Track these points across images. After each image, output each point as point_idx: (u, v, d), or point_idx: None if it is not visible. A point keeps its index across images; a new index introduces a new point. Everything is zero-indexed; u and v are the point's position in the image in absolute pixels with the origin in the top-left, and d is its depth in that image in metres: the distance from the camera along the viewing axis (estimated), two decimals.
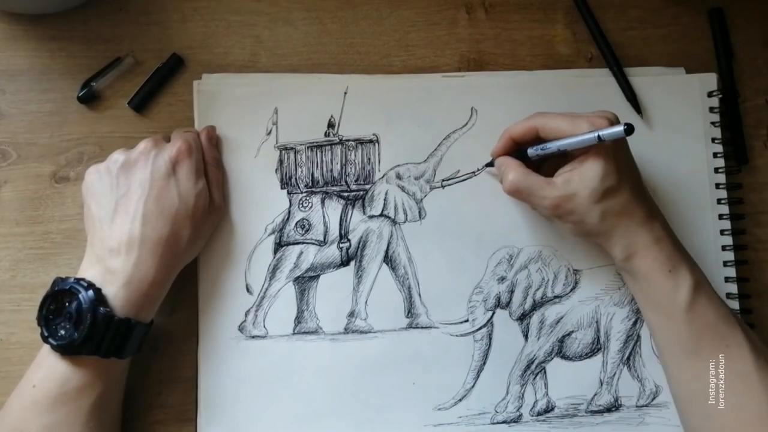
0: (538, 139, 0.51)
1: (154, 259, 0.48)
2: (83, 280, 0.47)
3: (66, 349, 0.46)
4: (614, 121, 0.48)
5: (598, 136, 0.46)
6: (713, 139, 0.57)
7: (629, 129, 0.45)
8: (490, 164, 0.56)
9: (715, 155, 0.57)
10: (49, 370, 0.47)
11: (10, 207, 0.56)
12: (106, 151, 0.56)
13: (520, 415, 0.55)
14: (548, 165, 0.53)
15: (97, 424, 0.47)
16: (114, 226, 0.48)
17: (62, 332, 0.46)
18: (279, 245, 0.56)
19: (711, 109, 0.57)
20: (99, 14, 0.57)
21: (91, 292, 0.46)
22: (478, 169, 0.56)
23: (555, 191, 0.49)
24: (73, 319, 0.46)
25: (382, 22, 0.59)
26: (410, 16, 0.59)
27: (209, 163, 0.54)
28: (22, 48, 0.57)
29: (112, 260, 0.48)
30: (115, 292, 0.47)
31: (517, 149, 0.53)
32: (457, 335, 0.55)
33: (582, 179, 0.48)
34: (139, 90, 0.57)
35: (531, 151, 0.51)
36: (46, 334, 0.47)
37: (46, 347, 0.47)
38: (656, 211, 0.50)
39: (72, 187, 0.56)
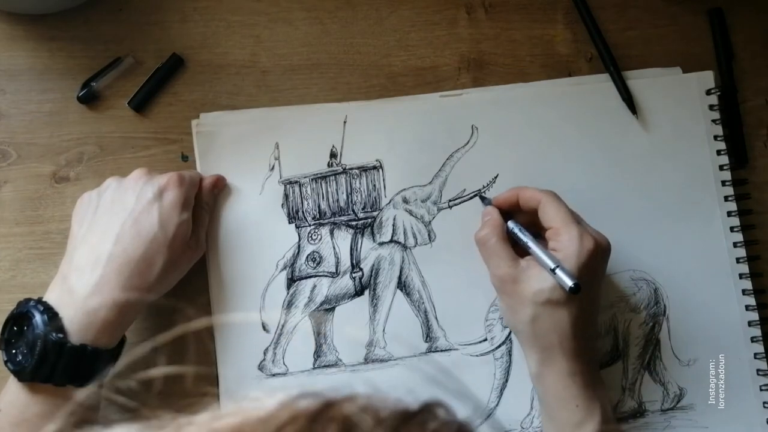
0: (535, 213, 0.51)
1: (119, 281, 0.46)
2: (41, 303, 0.46)
3: (20, 376, 0.45)
4: (604, 246, 0.48)
5: (552, 269, 0.46)
6: (715, 137, 0.57)
7: (575, 289, 0.45)
8: (482, 200, 0.55)
9: (718, 153, 0.57)
10: (12, 395, 0.46)
11: (10, 207, 0.55)
12: (106, 151, 0.56)
13: None
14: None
15: None
16: (85, 242, 0.48)
17: (19, 357, 0.45)
18: (292, 280, 0.55)
19: (710, 107, 0.57)
20: (99, 14, 0.57)
21: (45, 317, 0.44)
22: (484, 186, 0.56)
23: (511, 268, 0.48)
24: (29, 345, 0.44)
25: (382, 22, 0.59)
26: (410, 16, 0.59)
27: (201, 205, 0.53)
28: (22, 48, 0.57)
29: (75, 279, 0.46)
30: (71, 316, 0.45)
31: (516, 210, 0.53)
32: (477, 355, 0.55)
33: (539, 276, 0.47)
34: (139, 90, 0.56)
35: (510, 224, 0.51)
36: (5, 358, 0.45)
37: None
38: (590, 344, 0.49)
39: (72, 187, 0.56)
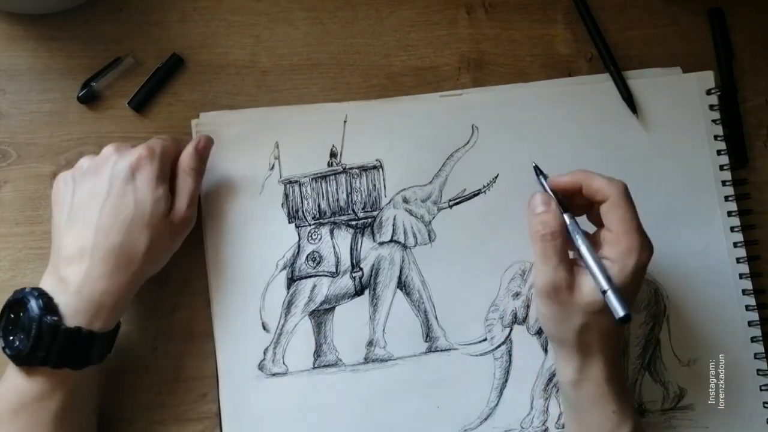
0: (590, 206, 0.48)
1: (106, 268, 0.46)
2: (36, 289, 0.46)
3: (17, 360, 0.46)
4: (652, 253, 0.46)
5: (604, 292, 0.43)
6: (715, 137, 0.57)
7: (624, 319, 0.42)
8: (540, 173, 0.50)
9: (718, 152, 0.57)
10: (10, 381, 0.46)
11: (10, 207, 0.55)
12: None
13: (546, 429, 0.55)
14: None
15: None
16: (69, 234, 0.48)
17: (17, 343, 0.46)
18: (291, 280, 0.55)
19: (711, 107, 0.57)
20: (99, 14, 0.57)
21: (39, 302, 0.45)
22: (484, 186, 0.56)
23: (568, 272, 0.45)
24: (25, 329, 0.45)
25: (382, 22, 0.59)
26: (410, 16, 0.59)
27: (183, 170, 0.51)
28: (22, 48, 0.57)
29: (65, 269, 0.47)
30: (66, 300, 0.46)
31: (571, 197, 0.48)
32: (477, 355, 0.55)
33: (593, 284, 0.45)
34: (139, 90, 0.56)
35: (571, 226, 0.47)
36: (3, 344, 0.46)
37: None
38: (620, 348, 0.49)
39: None
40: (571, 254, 0.47)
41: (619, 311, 0.42)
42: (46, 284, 0.47)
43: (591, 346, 0.47)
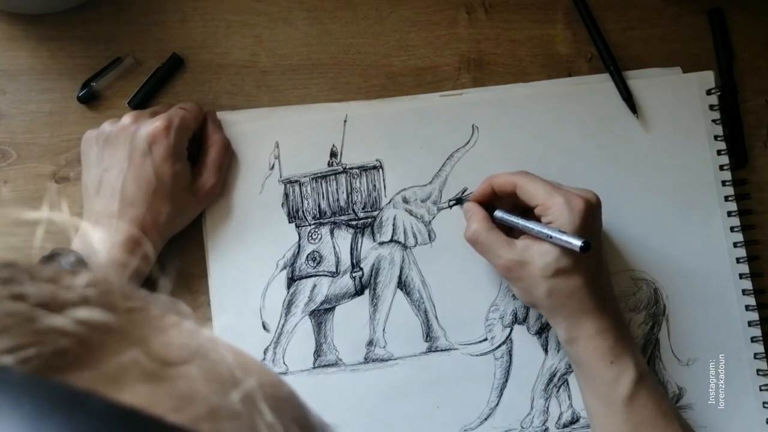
0: (514, 195, 0.51)
1: (133, 232, 0.49)
2: (65, 249, 0.48)
3: None
4: (594, 202, 0.48)
5: (549, 236, 0.46)
6: (715, 137, 0.57)
7: (585, 247, 0.44)
8: (458, 202, 0.56)
9: (718, 152, 0.57)
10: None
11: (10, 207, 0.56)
12: None
13: (546, 429, 0.55)
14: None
15: None
16: (98, 200, 0.51)
17: None
18: (292, 280, 0.55)
19: (711, 107, 0.57)
20: (99, 14, 0.57)
21: (71, 256, 0.47)
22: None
23: (511, 253, 0.49)
24: None
25: (382, 22, 0.59)
26: (410, 16, 0.59)
27: (212, 144, 0.54)
28: (22, 48, 0.57)
29: (95, 233, 0.49)
30: (96, 261, 0.48)
31: (495, 199, 0.53)
32: (477, 355, 0.55)
33: (540, 251, 0.48)
34: (139, 90, 0.56)
35: (497, 214, 0.52)
36: None
37: None
38: (610, 299, 0.50)
39: (72, 187, 0.56)
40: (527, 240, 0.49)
41: (576, 242, 0.45)
42: (76, 245, 0.49)
43: (567, 305, 0.48)
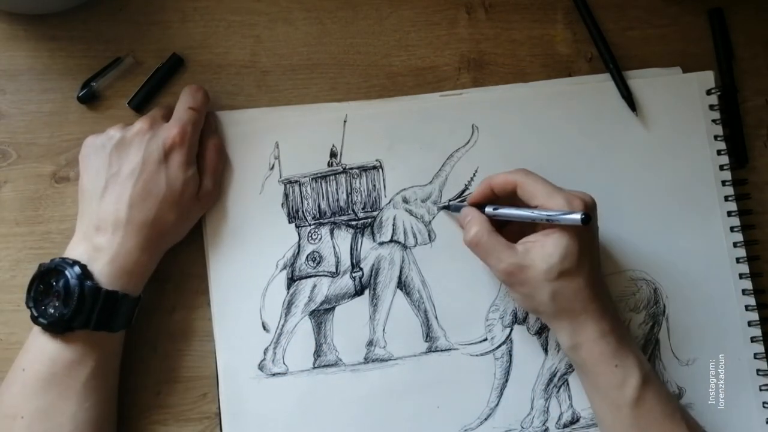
0: (514, 195, 0.50)
1: (138, 240, 0.49)
2: (68, 258, 0.48)
3: (56, 326, 0.47)
4: (591, 204, 0.48)
5: (547, 218, 0.46)
6: (715, 137, 0.57)
7: (585, 218, 0.45)
8: (446, 207, 0.56)
9: (718, 152, 0.57)
10: (37, 352, 0.48)
11: (10, 207, 0.56)
12: None
13: (547, 429, 0.55)
14: (516, 229, 0.52)
15: (91, 402, 0.48)
16: (102, 205, 0.50)
17: (51, 310, 0.47)
18: (292, 280, 0.55)
19: (711, 107, 0.57)
20: (99, 14, 0.57)
21: (77, 268, 0.47)
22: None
23: (512, 257, 0.48)
24: (61, 297, 0.47)
25: (382, 22, 0.59)
26: (410, 16, 0.59)
27: (208, 148, 0.54)
28: (22, 48, 0.57)
29: (98, 238, 0.49)
30: (100, 268, 0.48)
31: (494, 201, 0.52)
32: (477, 355, 0.55)
33: (542, 254, 0.47)
34: (139, 90, 0.56)
35: (488, 209, 0.51)
36: (36, 314, 0.47)
37: (35, 331, 0.48)
38: (609, 301, 0.50)
39: (72, 187, 0.56)
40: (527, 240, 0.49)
41: (575, 216, 0.45)
42: (77, 252, 0.49)
43: (570, 309, 0.48)
